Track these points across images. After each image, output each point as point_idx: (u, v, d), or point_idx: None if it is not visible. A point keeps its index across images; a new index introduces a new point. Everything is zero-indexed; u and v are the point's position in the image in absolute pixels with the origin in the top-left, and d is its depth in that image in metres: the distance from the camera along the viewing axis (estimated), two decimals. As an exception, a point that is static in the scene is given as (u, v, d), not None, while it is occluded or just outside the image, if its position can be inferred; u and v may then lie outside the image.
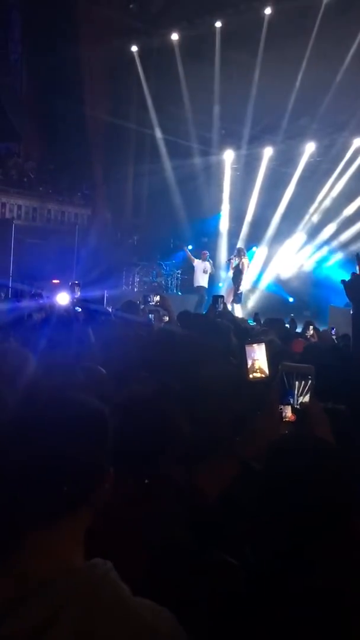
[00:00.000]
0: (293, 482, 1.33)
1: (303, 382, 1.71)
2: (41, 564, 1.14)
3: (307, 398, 1.70)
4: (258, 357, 2.03)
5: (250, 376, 2.02)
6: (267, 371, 2.01)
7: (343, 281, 2.99)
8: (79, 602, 1.09)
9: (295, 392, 1.71)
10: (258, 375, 2.02)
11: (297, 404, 1.70)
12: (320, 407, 1.72)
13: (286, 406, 1.70)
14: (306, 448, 1.38)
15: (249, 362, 2.03)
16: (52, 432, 1.20)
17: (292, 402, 1.70)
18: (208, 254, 15.24)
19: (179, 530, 1.53)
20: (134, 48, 16.63)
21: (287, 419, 1.69)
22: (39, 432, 1.20)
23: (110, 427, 1.28)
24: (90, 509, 1.23)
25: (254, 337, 3.56)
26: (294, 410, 1.69)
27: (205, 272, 14.80)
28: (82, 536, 1.21)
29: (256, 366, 2.02)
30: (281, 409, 1.70)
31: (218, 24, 15.53)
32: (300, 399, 1.70)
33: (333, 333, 7.68)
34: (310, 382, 1.71)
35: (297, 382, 1.71)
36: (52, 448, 1.18)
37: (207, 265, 14.91)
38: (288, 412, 1.70)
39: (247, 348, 2.04)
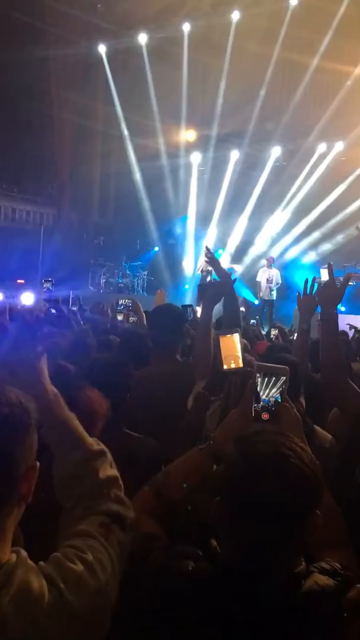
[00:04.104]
0: (254, 474, 1.34)
1: (277, 383, 1.73)
2: None
3: (280, 398, 1.73)
4: (232, 348, 2.03)
5: (225, 367, 2.02)
6: (241, 362, 2.01)
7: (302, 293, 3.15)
8: None
9: (270, 392, 1.73)
10: (233, 365, 2.02)
11: (271, 405, 1.72)
12: (292, 407, 1.75)
13: (260, 405, 1.72)
14: (269, 440, 1.39)
15: (223, 353, 2.03)
16: None
17: (266, 401, 1.73)
18: (273, 259, 14.41)
19: (149, 523, 1.53)
20: (102, 48, 16.56)
21: (260, 417, 1.71)
22: None
23: (34, 419, 1.22)
24: (15, 505, 1.19)
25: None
26: (267, 409, 1.72)
27: (269, 281, 13.81)
28: (7, 534, 1.17)
29: (231, 357, 2.02)
30: (255, 407, 1.72)
31: (186, 27, 15.61)
32: (274, 399, 1.73)
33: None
34: (284, 382, 1.73)
35: (271, 382, 1.73)
36: None
37: (273, 273, 13.82)
38: (262, 411, 1.72)
39: (221, 339, 2.04)
